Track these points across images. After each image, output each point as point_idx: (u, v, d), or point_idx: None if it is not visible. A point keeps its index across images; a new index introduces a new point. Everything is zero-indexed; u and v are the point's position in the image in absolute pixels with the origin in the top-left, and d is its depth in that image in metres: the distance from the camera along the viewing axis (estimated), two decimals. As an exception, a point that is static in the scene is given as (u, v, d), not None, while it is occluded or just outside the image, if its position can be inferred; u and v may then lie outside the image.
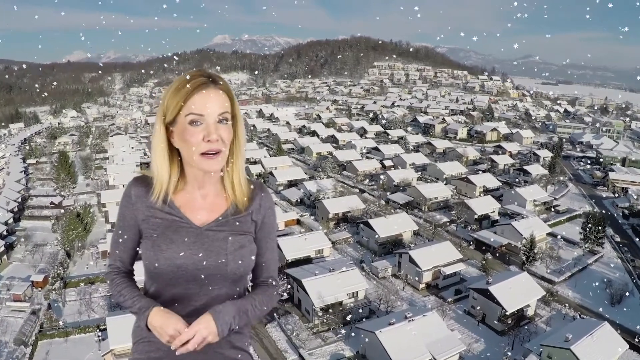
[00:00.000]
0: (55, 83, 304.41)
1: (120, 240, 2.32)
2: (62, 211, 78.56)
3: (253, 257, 2.30)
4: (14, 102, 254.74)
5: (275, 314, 46.47)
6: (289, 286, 48.91)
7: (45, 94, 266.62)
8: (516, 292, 46.90)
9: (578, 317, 50.00)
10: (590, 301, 54.09)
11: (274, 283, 2.49)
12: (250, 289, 2.46)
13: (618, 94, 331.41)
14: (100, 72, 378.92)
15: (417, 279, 52.85)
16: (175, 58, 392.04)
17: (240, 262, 2.21)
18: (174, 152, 2.19)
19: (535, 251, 59.78)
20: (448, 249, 55.25)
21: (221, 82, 2.11)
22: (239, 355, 2.32)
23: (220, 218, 2.24)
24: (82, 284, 54.99)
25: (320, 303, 43.78)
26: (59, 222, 70.85)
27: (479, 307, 47.33)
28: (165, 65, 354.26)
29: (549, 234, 67.79)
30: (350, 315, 44.46)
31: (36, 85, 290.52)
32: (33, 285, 55.17)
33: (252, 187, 2.35)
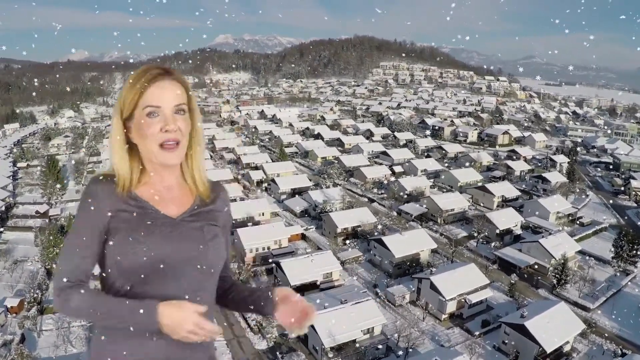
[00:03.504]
0: (53, 82, 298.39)
1: (80, 247, 2.06)
2: (47, 221, 72.66)
3: (225, 248, 2.30)
4: (11, 101, 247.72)
5: (278, 352, 40.47)
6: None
7: (44, 93, 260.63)
8: (554, 327, 40.92)
9: (619, 352, 44.34)
10: (630, 331, 48.54)
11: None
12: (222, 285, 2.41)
13: (622, 95, 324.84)
14: (99, 72, 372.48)
15: (439, 308, 46.71)
16: (177, 57, 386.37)
17: (217, 249, 2.20)
18: (133, 148, 2.15)
19: (566, 272, 53.90)
20: (473, 272, 49.10)
21: (176, 74, 2.11)
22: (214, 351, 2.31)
23: (192, 209, 2.21)
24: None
25: (331, 342, 37.69)
26: (42, 234, 64.79)
27: (511, 344, 41.39)
28: (167, 64, 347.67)
29: (578, 252, 61.81)
30: (365, 356, 38.46)
31: (35, 83, 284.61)
32: (8, 310, 49.35)
33: (211, 182, 2.35)
